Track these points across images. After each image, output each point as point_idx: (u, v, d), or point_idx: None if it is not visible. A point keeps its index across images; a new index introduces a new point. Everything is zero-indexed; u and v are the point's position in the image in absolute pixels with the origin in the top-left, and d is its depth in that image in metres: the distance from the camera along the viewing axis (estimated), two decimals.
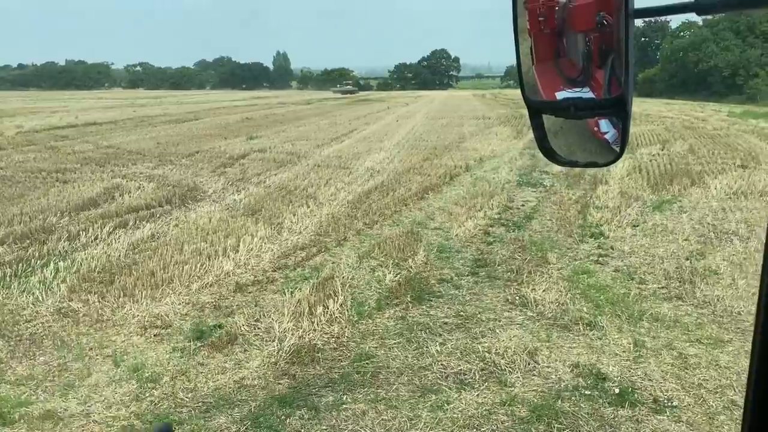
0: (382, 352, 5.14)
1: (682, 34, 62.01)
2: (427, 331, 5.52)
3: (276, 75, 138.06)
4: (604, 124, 1.15)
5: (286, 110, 41.73)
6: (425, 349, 5.15)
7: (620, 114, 1.08)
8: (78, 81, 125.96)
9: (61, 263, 7.23)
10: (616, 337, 5.28)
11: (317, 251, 7.88)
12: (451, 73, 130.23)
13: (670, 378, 4.60)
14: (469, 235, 8.57)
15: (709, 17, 55.48)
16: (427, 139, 21.12)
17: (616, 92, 1.08)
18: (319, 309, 5.78)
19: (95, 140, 21.86)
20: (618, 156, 1.11)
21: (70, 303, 6.12)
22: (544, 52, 1.20)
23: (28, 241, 8.24)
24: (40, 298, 6.23)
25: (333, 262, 7.39)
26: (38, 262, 7.35)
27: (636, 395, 4.37)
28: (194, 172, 14.24)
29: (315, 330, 5.45)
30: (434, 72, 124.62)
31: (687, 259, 7.32)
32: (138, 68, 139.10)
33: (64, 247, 7.97)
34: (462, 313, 5.92)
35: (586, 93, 1.13)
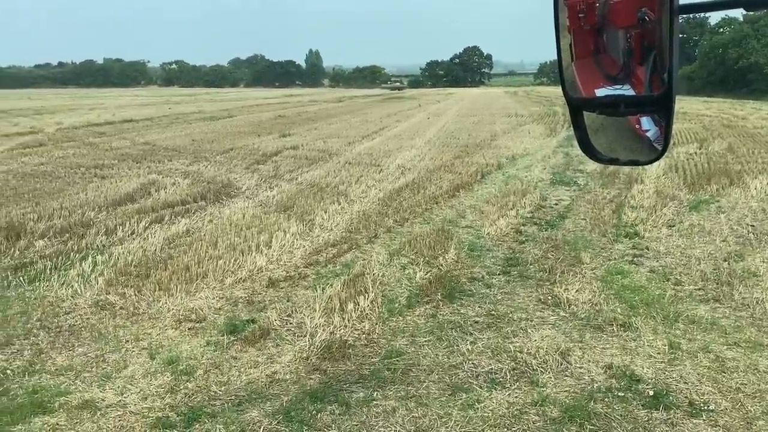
0: (413, 349, 5.14)
1: (721, 30, 60.51)
2: (458, 329, 5.50)
3: (308, 73, 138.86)
4: (646, 122, 1.14)
5: (318, 108, 41.96)
6: (456, 347, 5.14)
7: (663, 112, 1.07)
8: (115, 79, 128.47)
9: (98, 257, 7.39)
10: (651, 338, 5.19)
11: (348, 248, 7.92)
12: (484, 70, 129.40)
13: (707, 381, 4.51)
14: (500, 233, 8.52)
15: (751, 12, 54.12)
16: (459, 136, 21.02)
17: (657, 90, 1.06)
18: (350, 305, 5.80)
19: (132, 137, 22.28)
20: (660, 154, 1.10)
21: (108, 296, 6.26)
22: (584, 48, 1.18)
23: (67, 235, 8.45)
24: (79, 290, 6.39)
25: (364, 259, 7.41)
26: (77, 255, 7.53)
27: (671, 398, 4.29)
28: (228, 169, 14.42)
29: (346, 326, 5.48)
30: (466, 69, 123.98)
31: (725, 261, 7.16)
32: (173, 66, 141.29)
33: (101, 241, 8.15)
34: (493, 312, 5.89)
35: (627, 90, 1.12)
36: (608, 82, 1.15)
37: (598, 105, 1.14)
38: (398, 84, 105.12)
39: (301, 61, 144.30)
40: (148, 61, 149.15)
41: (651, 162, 1.13)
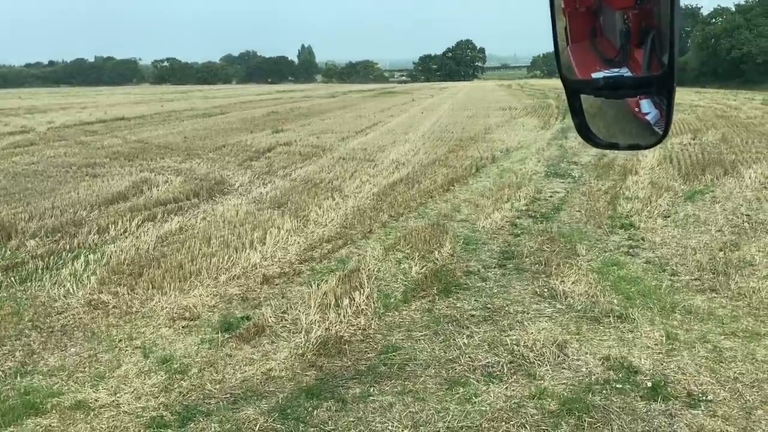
0: (409, 344, 5.11)
1: (713, 20, 60.56)
2: (454, 323, 5.47)
3: (301, 69, 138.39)
4: (646, 105, 1.10)
5: (311, 103, 41.84)
6: (452, 341, 5.11)
7: (664, 93, 1.03)
8: (107, 77, 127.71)
9: (91, 256, 7.32)
10: (648, 329, 5.17)
11: (343, 243, 7.87)
12: (477, 63, 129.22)
13: (705, 371, 4.49)
14: (496, 226, 8.49)
15: (742, 2, 54.14)
16: (453, 130, 20.98)
17: (656, 71, 1.02)
18: (346, 301, 5.76)
19: (124, 135, 22.15)
20: (662, 138, 1.05)
21: (100, 295, 6.20)
22: (580, 31, 1.14)
23: (59, 235, 8.37)
24: (71, 290, 6.32)
25: (359, 255, 7.37)
26: (69, 254, 7.46)
27: (669, 389, 4.27)
28: (221, 166, 14.34)
29: (341, 322, 5.44)
30: (459, 63, 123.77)
31: (721, 250, 7.14)
32: (165, 63, 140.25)
33: (94, 240, 8.08)
34: (489, 305, 5.86)
35: (625, 73, 1.07)
36: (605, 66, 1.11)
37: (597, 87, 1.10)
38: (404, 78, 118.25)
39: (293, 56, 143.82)
40: (140, 59, 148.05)
41: (652, 146, 1.09)
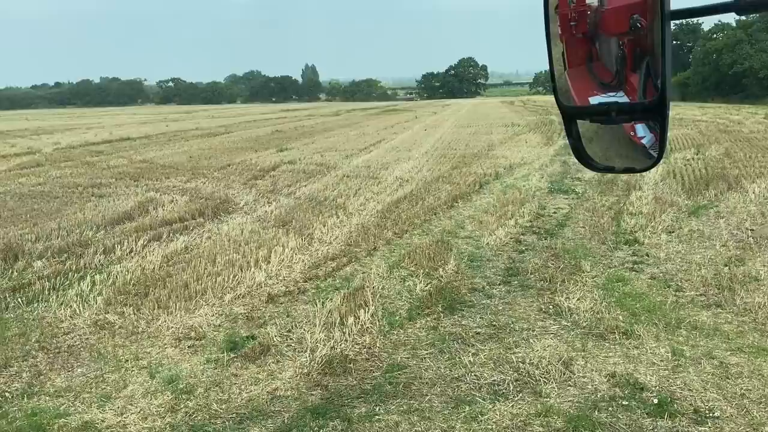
0: (415, 362, 5.10)
1: (715, 36, 60.79)
2: (460, 341, 5.47)
3: (305, 87, 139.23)
4: (641, 129, 1.13)
5: (315, 122, 42.05)
6: (458, 359, 5.11)
7: (658, 118, 1.06)
8: (112, 98, 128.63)
9: (97, 276, 7.36)
10: (654, 345, 5.16)
11: (347, 261, 7.89)
12: (479, 80, 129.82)
13: (711, 388, 4.47)
14: (500, 243, 8.50)
15: (743, 18, 54.41)
16: (456, 147, 21.06)
17: (651, 96, 1.05)
18: (351, 319, 5.77)
19: (129, 155, 22.29)
20: (656, 161, 1.08)
21: (107, 315, 6.22)
22: (577, 56, 1.18)
23: (65, 255, 8.41)
24: (78, 310, 6.35)
25: (363, 272, 7.38)
26: (75, 275, 7.49)
27: (675, 405, 4.26)
28: (226, 185, 14.41)
29: (346, 340, 5.44)
30: (462, 80, 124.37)
31: (725, 266, 7.14)
32: (170, 84, 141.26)
33: (100, 261, 8.11)
34: (494, 322, 5.85)
35: (621, 98, 1.11)
36: (602, 90, 1.14)
37: (592, 113, 1.13)
38: (411, 95, 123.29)
39: (297, 76, 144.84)
40: (145, 80, 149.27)
41: (647, 169, 1.12)
